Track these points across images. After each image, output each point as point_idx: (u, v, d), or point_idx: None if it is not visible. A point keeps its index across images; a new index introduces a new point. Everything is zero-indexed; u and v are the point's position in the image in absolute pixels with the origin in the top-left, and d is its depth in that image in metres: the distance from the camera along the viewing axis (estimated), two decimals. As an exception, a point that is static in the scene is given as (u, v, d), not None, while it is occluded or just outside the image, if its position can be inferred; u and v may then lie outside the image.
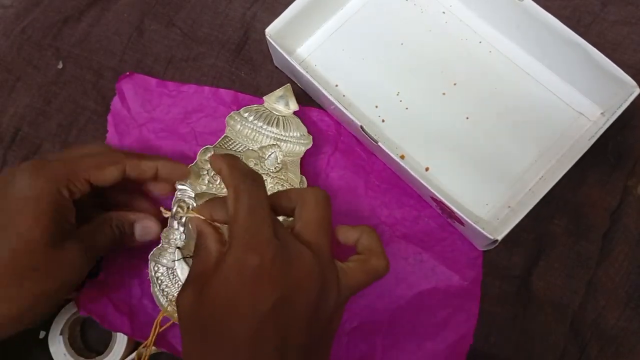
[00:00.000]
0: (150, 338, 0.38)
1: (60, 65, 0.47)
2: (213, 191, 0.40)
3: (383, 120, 0.44)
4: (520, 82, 0.44)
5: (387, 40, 0.46)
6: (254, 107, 0.42)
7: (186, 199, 0.40)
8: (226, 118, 0.42)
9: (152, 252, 0.39)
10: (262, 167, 0.41)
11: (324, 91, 0.40)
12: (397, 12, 0.47)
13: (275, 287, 0.28)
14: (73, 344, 0.41)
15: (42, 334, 0.41)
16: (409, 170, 0.38)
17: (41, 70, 0.47)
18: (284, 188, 0.40)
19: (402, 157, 0.43)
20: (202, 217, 0.32)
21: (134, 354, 0.40)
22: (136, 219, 0.38)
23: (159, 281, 0.39)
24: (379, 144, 0.39)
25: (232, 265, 0.28)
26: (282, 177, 0.41)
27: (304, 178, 0.41)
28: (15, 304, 0.32)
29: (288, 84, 0.43)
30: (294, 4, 0.43)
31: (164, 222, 0.39)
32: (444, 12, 0.47)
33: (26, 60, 0.47)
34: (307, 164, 0.43)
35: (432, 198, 0.39)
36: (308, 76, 0.40)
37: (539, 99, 0.44)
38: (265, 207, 0.30)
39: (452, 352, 0.40)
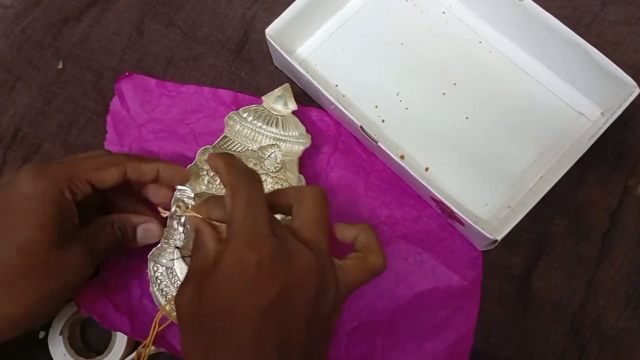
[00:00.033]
0: (149, 337, 0.38)
1: (60, 65, 0.47)
2: (213, 191, 0.40)
3: (383, 120, 0.44)
4: (520, 82, 0.44)
5: (387, 40, 0.46)
6: (253, 107, 0.42)
7: (185, 199, 0.40)
8: (225, 118, 0.42)
9: (151, 252, 0.39)
10: (261, 167, 0.41)
11: (324, 91, 0.40)
12: (397, 12, 0.47)
13: (274, 284, 0.28)
14: (73, 344, 0.41)
15: (42, 334, 0.41)
16: (409, 170, 0.38)
17: (41, 70, 0.47)
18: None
19: (402, 157, 0.43)
20: (200, 216, 0.32)
21: (133, 354, 0.40)
22: (138, 222, 0.38)
23: (158, 281, 0.39)
24: (379, 144, 0.39)
25: (230, 262, 0.28)
26: (282, 176, 0.41)
27: (302, 177, 0.41)
28: (20, 304, 0.32)
29: (287, 84, 0.43)
30: (294, 4, 0.43)
31: (163, 222, 0.39)
32: (444, 12, 0.47)
33: (26, 60, 0.47)
34: (307, 164, 0.43)
35: (432, 198, 0.39)
36: (308, 76, 0.40)
37: (539, 99, 0.44)
38: (262, 205, 0.30)
39: (452, 352, 0.40)
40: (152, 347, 0.39)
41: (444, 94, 0.44)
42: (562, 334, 0.41)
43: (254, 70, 0.47)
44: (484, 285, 0.41)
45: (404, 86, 0.45)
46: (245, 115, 0.42)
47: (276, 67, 0.46)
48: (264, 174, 0.41)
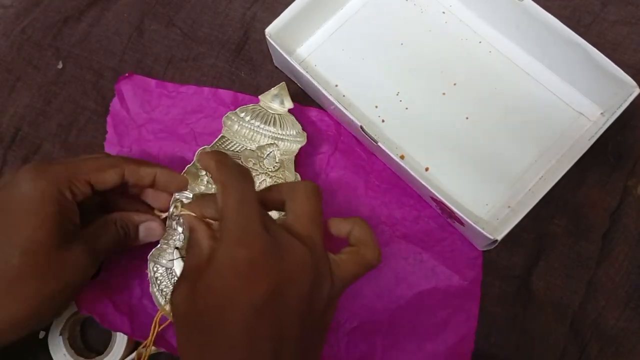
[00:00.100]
0: (149, 338, 0.38)
1: (60, 65, 0.47)
2: (212, 192, 0.40)
3: (383, 120, 0.44)
4: (520, 82, 0.44)
5: (387, 40, 0.46)
6: (250, 106, 0.42)
7: (184, 200, 0.40)
8: (223, 118, 0.42)
9: (151, 253, 0.39)
10: (260, 166, 0.41)
11: (324, 91, 0.40)
12: (397, 12, 0.47)
13: (266, 279, 0.28)
14: (73, 344, 0.41)
15: (42, 334, 0.41)
16: (409, 170, 0.38)
17: (41, 70, 0.47)
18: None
19: (402, 157, 0.43)
20: (193, 214, 0.32)
21: (134, 354, 0.40)
22: (140, 221, 0.38)
23: (158, 281, 0.39)
24: (379, 144, 0.39)
25: (222, 259, 0.28)
26: (280, 175, 0.41)
27: (298, 175, 0.42)
28: (21, 305, 0.32)
29: (283, 82, 0.43)
30: (294, 4, 0.43)
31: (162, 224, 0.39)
32: (444, 12, 0.47)
33: (26, 60, 0.47)
34: (306, 163, 0.43)
35: (432, 198, 0.39)
36: (308, 76, 0.40)
37: (539, 99, 0.44)
38: (253, 201, 0.30)
39: (453, 352, 0.40)
40: (152, 347, 0.39)
41: (444, 94, 0.44)
42: (562, 334, 0.41)
43: (253, 70, 0.47)
44: (484, 285, 0.41)
45: (404, 86, 0.45)
46: (242, 115, 0.42)
47: (276, 67, 0.46)
48: (263, 173, 0.41)
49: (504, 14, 0.44)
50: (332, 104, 0.40)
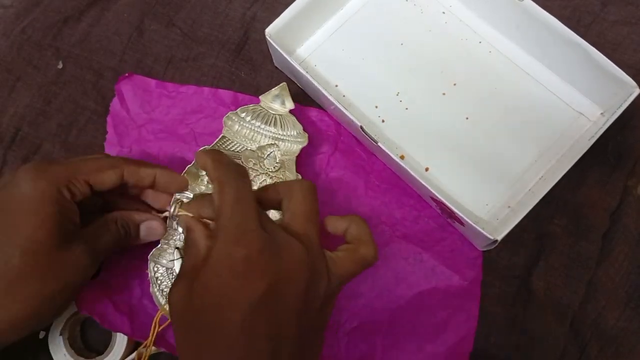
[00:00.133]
0: (149, 338, 0.38)
1: (60, 65, 0.47)
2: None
3: (383, 121, 0.44)
4: (520, 82, 0.44)
5: (387, 40, 0.46)
6: (251, 106, 0.42)
7: (184, 200, 0.39)
8: (223, 118, 0.42)
9: (151, 253, 0.39)
10: (261, 166, 0.41)
11: (324, 91, 0.40)
12: (397, 12, 0.47)
13: (263, 278, 0.28)
14: (73, 344, 0.41)
15: (42, 334, 0.41)
16: (409, 170, 0.38)
17: (41, 70, 0.47)
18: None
19: (402, 157, 0.43)
20: (190, 214, 0.32)
21: (134, 354, 0.40)
22: (141, 220, 0.38)
23: (158, 281, 0.39)
24: (379, 144, 0.39)
25: (219, 258, 0.28)
26: (281, 176, 0.41)
27: (299, 176, 0.42)
28: (21, 306, 0.32)
29: (284, 83, 0.43)
30: (294, 4, 0.43)
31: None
32: (443, 12, 0.47)
33: (26, 60, 0.47)
34: (306, 163, 0.43)
35: (432, 198, 0.39)
36: (308, 76, 0.40)
37: (539, 99, 0.44)
38: (250, 200, 0.30)
39: (453, 352, 0.40)
40: (152, 347, 0.39)
41: (444, 94, 0.44)
42: (562, 334, 0.41)
43: (254, 70, 0.47)
44: (484, 285, 0.41)
45: (404, 86, 0.45)
46: (243, 115, 0.42)
47: (276, 67, 0.46)
48: (263, 173, 0.41)
49: (504, 14, 0.44)
50: (332, 104, 0.40)
